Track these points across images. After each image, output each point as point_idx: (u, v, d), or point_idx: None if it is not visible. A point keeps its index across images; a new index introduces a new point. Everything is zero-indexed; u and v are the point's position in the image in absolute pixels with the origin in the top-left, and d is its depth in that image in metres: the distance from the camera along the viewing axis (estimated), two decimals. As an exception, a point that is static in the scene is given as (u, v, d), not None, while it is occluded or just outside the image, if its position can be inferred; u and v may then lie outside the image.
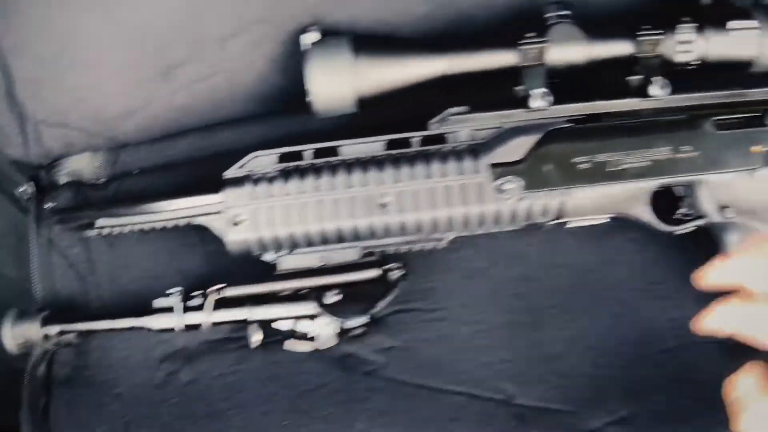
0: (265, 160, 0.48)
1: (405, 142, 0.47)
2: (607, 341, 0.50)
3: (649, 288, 0.51)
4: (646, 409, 0.48)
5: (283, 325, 0.48)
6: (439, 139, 0.47)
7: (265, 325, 0.48)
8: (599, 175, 0.45)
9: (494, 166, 0.45)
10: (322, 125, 0.48)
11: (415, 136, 0.47)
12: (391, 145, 0.47)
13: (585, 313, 0.50)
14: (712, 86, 0.49)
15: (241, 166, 0.48)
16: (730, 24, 0.47)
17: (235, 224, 0.46)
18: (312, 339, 0.48)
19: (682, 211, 0.48)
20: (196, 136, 0.56)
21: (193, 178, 0.55)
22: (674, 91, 0.48)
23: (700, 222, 0.48)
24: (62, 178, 0.56)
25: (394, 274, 0.47)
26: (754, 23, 0.47)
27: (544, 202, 0.45)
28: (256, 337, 0.49)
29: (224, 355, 0.52)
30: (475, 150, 0.46)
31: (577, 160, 0.45)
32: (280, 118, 0.54)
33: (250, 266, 0.49)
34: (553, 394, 0.49)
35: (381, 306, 0.47)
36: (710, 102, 0.48)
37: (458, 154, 0.45)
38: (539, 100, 0.45)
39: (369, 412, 0.49)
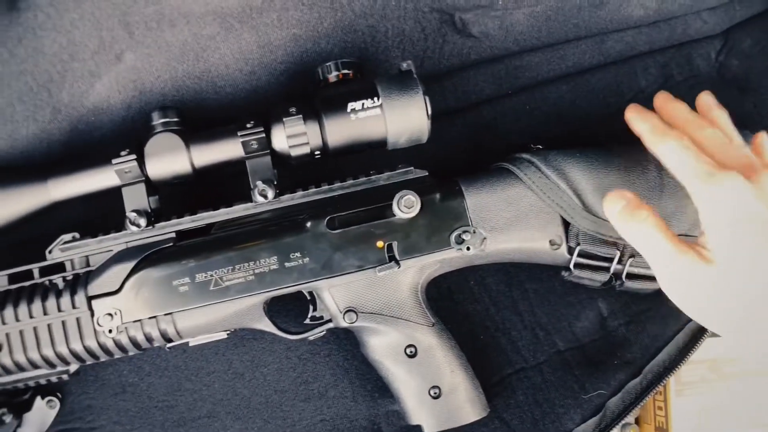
0: None
1: (27, 274, 0.48)
2: (257, 449, 0.51)
3: (300, 388, 0.52)
4: None
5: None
6: (59, 266, 0.48)
7: None
8: (201, 296, 0.45)
9: (93, 298, 0.46)
10: None
11: (35, 267, 0.48)
12: (15, 278, 0.48)
13: (235, 421, 0.51)
14: (342, 176, 0.48)
15: None
16: (350, 106, 0.45)
17: None
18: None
19: (311, 314, 0.49)
20: None
21: None
22: (291, 190, 0.47)
23: (328, 326, 0.48)
24: None
25: (7, 417, 0.48)
26: (376, 102, 0.45)
27: (146, 331, 0.46)
28: None
29: None
30: (75, 283, 0.46)
31: (176, 282, 0.45)
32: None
33: None
34: None
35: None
36: (330, 196, 0.47)
37: (58, 289, 0.46)
38: (132, 223, 0.46)
39: None
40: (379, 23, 0.51)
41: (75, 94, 0.49)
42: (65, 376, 0.49)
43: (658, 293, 0.46)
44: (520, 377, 0.51)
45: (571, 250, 0.47)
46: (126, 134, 0.52)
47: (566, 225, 0.47)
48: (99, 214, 0.51)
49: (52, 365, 0.47)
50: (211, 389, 0.52)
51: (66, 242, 0.48)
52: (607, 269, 0.47)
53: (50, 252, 0.48)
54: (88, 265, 0.48)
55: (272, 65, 0.50)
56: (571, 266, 0.47)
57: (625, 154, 0.48)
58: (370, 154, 0.48)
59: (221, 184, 0.51)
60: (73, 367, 0.49)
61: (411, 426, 0.49)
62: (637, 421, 0.56)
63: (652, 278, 0.46)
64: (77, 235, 0.48)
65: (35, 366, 0.47)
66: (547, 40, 0.56)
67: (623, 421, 0.52)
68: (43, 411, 0.52)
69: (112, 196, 0.48)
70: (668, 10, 0.56)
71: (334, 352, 0.52)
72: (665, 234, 0.41)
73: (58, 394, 0.52)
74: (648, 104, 0.47)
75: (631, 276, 0.48)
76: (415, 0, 0.51)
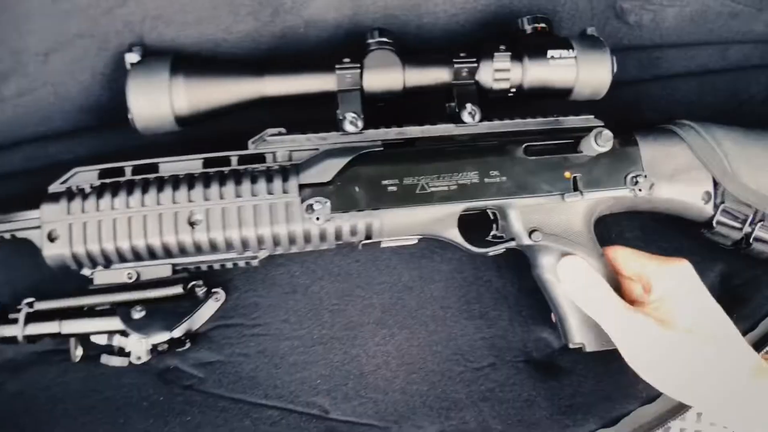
0: (86, 176, 0.51)
1: (225, 160, 0.51)
2: (421, 358, 0.55)
3: (464, 307, 0.56)
4: (453, 425, 0.53)
5: (100, 340, 0.51)
6: (258, 158, 0.51)
7: (84, 339, 0.51)
8: (407, 197, 0.50)
9: (303, 186, 0.49)
10: (153, 139, 0.52)
11: (234, 155, 0.51)
12: (210, 163, 0.51)
13: (401, 330, 0.55)
14: (528, 113, 0.55)
15: (63, 181, 0.51)
16: (550, 53, 0.53)
17: (51, 240, 0.49)
18: (128, 354, 0.50)
19: (493, 232, 0.54)
20: (30, 147, 0.58)
21: (27, 189, 0.57)
22: (489, 118, 0.53)
23: (510, 244, 0.53)
24: None
25: (201, 290, 0.50)
26: (572, 53, 0.53)
27: (352, 223, 0.50)
28: (77, 352, 0.52)
29: (49, 367, 0.54)
30: (286, 171, 0.50)
31: (385, 182, 0.50)
32: (112, 131, 0.57)
33: (74, 278, 0.52)
34: (366, 409, 0.53)
35: (191, 324, 0.50)
36: (523, 129, 0.54)
37: (269, 174, 0.50)
38: (351, 123, 0.50)
39: (185, 425, 0.52)
40: (561, -3, 0.61)
41: (298, 1, 0.54)
42: (254, 263, 0.51)
43: (774, 260, 0.56)
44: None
45: (715, 207, 0.55)
46: (328, 52, 0.56)
47: (714, 185, 0.55)
48: (290, 121, 0.54)
49: (245, 248, 0.50)
50: (381, 298, 0.56)
51: (272, 135, 0.52)
52: (741, 229, 0.56)
53: (254, 143, 0.52)
54: (290, 159, 0.52)
55: (472, 12, 0.58)
56: (714, 222, 0.55)
57: (765, 134, 0.57)
58: (548, 103, 0.56)
59: (411, 108, 0.56)
60: (263, 254, 0.51)
61: (558, 351, 0.55)
62: None
63: None
64: (284, 130, 0.52)
65: (229, 247, 0.50)
66: (686, 39, 0.66)
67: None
68: (207, 303, 0.53)
69: (312, 105, 0.52)
70: (784, 32, 0.68)
71: (495, 278, 0.57)
72: (617, 298, 0.50)
73: (221, 288, 0.54)
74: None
75: (758, 239, 0.56)
76: (593, -18, 0.61)
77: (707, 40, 0.67)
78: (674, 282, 0.50)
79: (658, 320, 0.48)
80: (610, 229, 0.60)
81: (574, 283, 0.52)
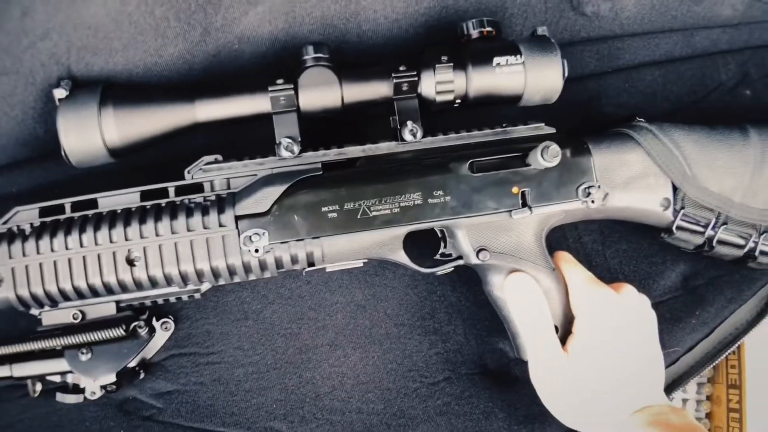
0: (26, 215, 0.50)
1: (162, 192, 0.50)
2: (376, 376, 0.55)
3: (418, 323, 0.57)
4: (411, 441, 0.55)
5: (54, 378, 0.52)
6: (196, 187, 0.50)
7: (28, 378, 0.51)
8: (348, 223, 0.49)
9: (240, 218, 0.49)
10: (91, 169, 0.51)
11: (171, 186, 0.50)
12: (147, 195, 0.50)
13: (355, 350, 0.56)
14: (474, 124, 0.53)
15: (4, 222, 0.50)
16: (496, 60, 0.50)
17: None
18: (83, 390, 0.51)
19: (442, 250, 0.53)
20: (-29, 183, 0.58)
21: None
22: (431, 133, 0.52)
23: (458, 263, 0.53)
24: None
25: (143, 330, 0.51)
26: (519, 59, 0.51)
27: (292, 252, 0.49)
28: (36, 388, 0.53)
29: (10, 404, 0.55)
30: (222, 202, 0.49)
31: (325, 209, 0.49)
32: (52, 162, 0.56)
33: (22, 316, 0.51)
34: (324, 430, 0.54)
35: (132, 361, 0.50)
36: (469, 142, 0.52)
37: (205, 207, 0.49)
38: (285, 150, 0.49)
39: (148, 456, 0.54)
40: (511, -7, 0.58)
41: (228, 18, 0.52)
42: (197, 295, 0.51)
43: (736, 261, 0.55)
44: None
45: (675, 213, 0.54)
46: (264, 68, 0.56)
47: (674, 190, 0.54)
48: (229, 141, 0.54)
49: (186, 282, 0.50)
50: (334, 319, 0.56)
51: (208, 163, 0.51)
52: (702, 233, 0.55)
53: (189, 172, 0.51)
54: (228, 187, 0.51)
55: (414, 16, 0.56)
56: (674, 228, 0.54)
57: (727, 132, 0.55)
58: (497, 110, 0.54)
59: (354, 123, 0.55)
60: (205, 286, 0.52)
61: (514, 361, 0.56)
62: (709, 381, 0.64)
63: (739, 246, 0.55)
64: (220, 157, 0.51)
65: (170, 282, 0.50)
66: (648, 27, 0.64)
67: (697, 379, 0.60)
68: (158, 333, 0.54)
69: (250, 125, 0.51)
70: (752, 15, 0.65)
71: (448, 293, 0.57)
72: (548, 323, 0.50)
73: (170, 317, 0.54)
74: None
75: (721, 242, 0.55)
76: (544, -26, 0.58)
77: (671, 27, 0.64)
78: (596, 307, 0.50)
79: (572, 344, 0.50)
80: (567, 235, 0.59)
81: (517, 299, 0.52)
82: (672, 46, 0.64)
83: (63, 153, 0.49)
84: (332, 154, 0.51)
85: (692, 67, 0.64)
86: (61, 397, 0.52)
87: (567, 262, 0.54)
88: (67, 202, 0.51)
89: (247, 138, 0.53)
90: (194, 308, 0.55)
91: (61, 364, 0.49)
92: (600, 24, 0.62)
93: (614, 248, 0.60)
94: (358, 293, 0.56)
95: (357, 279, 0.56)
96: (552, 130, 0.54)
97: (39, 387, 0.53)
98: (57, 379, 0.53)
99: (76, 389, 0.52)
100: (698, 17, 0.63)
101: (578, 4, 0.61)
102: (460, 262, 0.53)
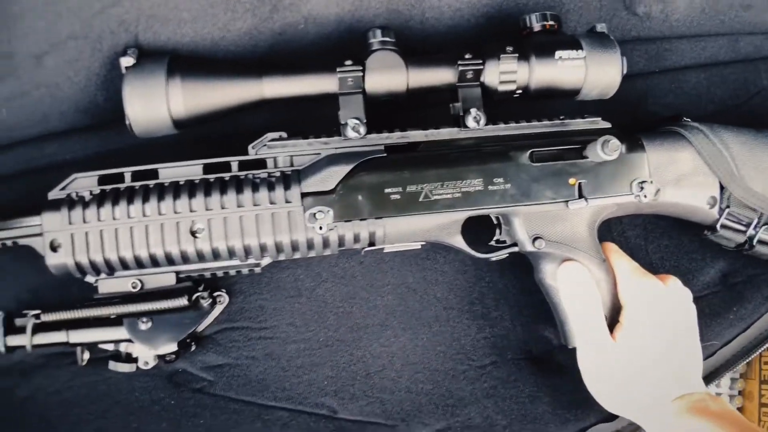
0: (85, 182, 0.51)
1: (225, 166, 0.51)
2: (425, 357, 0.57)
3: (466, 308, 0.58)
4: (459, 422, 0.56)
5: (107, 346, 0.52)
6: (259, 163, 0.51)
7: (84, 345, 0.52)
8: (410, 205, 0.51)
9: (306, 195, 0.50)
10: (151, 139, 0.51)
11: (234, 161, 0.51)
12: (210, 168, 0.51)
13: (405, 331, 0.57)
14: (533, 115, 0.55)
15: (62, 188, 0.51)
16: (558, 54, 0.52)
17: (53, 249, 0.49)
18: (135, 359, 0.52)
19: (496, 237, 0.55)
20: (27, 149, 0.58)
21: (23, 191, 0.58)
22: (492, 122, 0.53)
23: (512, 250, 0.54)
24: None
25: (205, 302, 0.52)
26: (581, 53, 0.52)
27: (355, 231, 0.50)
28: (85, 356, 0.53)
29: (59, 370, 0.56)
30: (288, 179, 0.50)
31: (389, 190, 0.50)
32: (110, 131, 0.57)
33: (76, 284, 0.52)
34: (374, 409, 0.56)
35: (197, 329, 0.52)
36: (528, 132, 0.54)
37: (271, 182, 0.50)
38: (352, 129, 0.50)
39: (198, 428, 0.54)
40: (569, -12, 0.59)
41: (297, -4, 0.53)
42: (257, 269, 0.52)
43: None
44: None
45: (720, 211, 0.56)
46: (326, 49, 0.57)
47: (721, 189, 0.56)
48: (288, 120, 0.55)
49: (248, 256, 0.51)
50: (385, 300, 0.57)
51: (272, 140, 0.52)
52: (744, 232, 0.57)
53: (253, 148, 0.52)
54: (292, 165, 0.52)
55: (477, 6, 0.57)
56: (718, 226, 0.56)
57: None
58: (547, 104, 0.56)
59: (408, 108, 0.56)
60: (265, 261, 0.52)
61: (557, 348, 0.57)
62: (742, 376, 0.67)
63: None
64: (284, 134, 0.52)
65: (232, 255, 0.50)
66: (696, 30, 0.66)
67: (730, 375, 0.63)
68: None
69: (309, 105, 0.52)
70: (797, 23, 0.67)
71: (496, 279, 0.59)
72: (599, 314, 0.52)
73: (224, 291, 0.55)
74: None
75: (761, 242, 0.57)
76: (602, -28, 0.60)
77: (718, 32, 0.66)
78: (644, 297, 0.52)
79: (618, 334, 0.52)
80: (612, 229, 0.61)
81: (570, 288, 0.53)
82: (717, 49, 0.67)
83: (127, 122, 0.49)
84: (395, 137, 0.52)
85: (735, 72, 0.67)
86: (114, 366, 0.53)
87: (615, 252, 0.56)
88: (127, 171, 0.51)
89: (305, 118, 0.54)
90: (248, 283, 0.56)
91: (119, 332, 0.50)
92: (650, 25, 0.64)
93: (656, 243, 0.62)
94: (410, 276, 0.58)
95: (409, 262, 0.58)
96: (608, 125, 0.56)
97: (87, 355, 0.54)
98: (110, 347, 0.53)
99: (129, 358, 0.52)
100: (745, 23, 0.66)
101: (631, 3, 0.63)
102: (515, 249, 0.54)
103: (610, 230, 0.61)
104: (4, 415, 0.55)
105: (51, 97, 0.55)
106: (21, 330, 0.52)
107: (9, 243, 0.52)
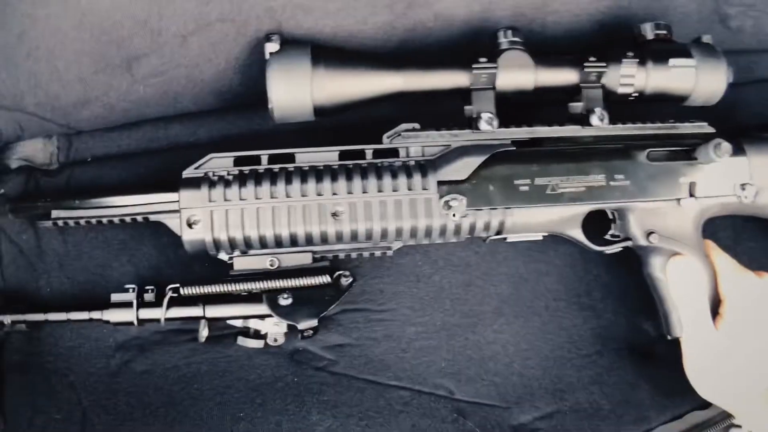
0: (221, 162, 0.53)
1: (360, 153, 0.54)
2: (535, 344, 0.60)
3: (574, 299, 0.62)
4: (568, 406, 0.59)
5: (236, 321, 0.55)
6: (392, 152, 0.54)
7: (216, 321, 0.54)
8: (538, 197, 0.54)
9: (441, 183, 0.53)
10: (276, 126, 0.54)
11: (369, 149, 0.54)
12: (345, 155, 0.54)
13: (517, 318, 0.60)
14: (648, 118, 0.59)
15: (198, 167, 0.53)
16: (672, 61, 0.56)
17: (190, 225, 0.51)
18: (263, 336, 0.54)
19: (611, 232, 0.58)
20: (151, 128, 0.61)
21: (146, 169, 0.61)
22: (612, 121, 0.57)
23: (626, 244, 0.58)
24: (14, 163, 0.60)
25: (346, 281, 0.54)
26: (692, 61, 0.56)
27: (486, 220, 0.53)
28: (204, 332, 0.55)
29: (177, 347, 0.58)
30: (424, 167, 0.53)
31: (518, 182, 0.54)
32: (236, 115, 0.60)
33: (202, 260, 0.55)
34: (488, 391, 0.59)
35: (331, 310, 0.54)
36: (646, 133, 0.58)
37: (408, 170, 0.53)
38: (486, 123, 0.53)
39: (322, 404, 0.57)
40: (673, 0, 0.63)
41: (431, -6, 0.56)
42: (389, 252, 0.55)
43: None
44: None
45: None
46: (453, 46, 0.60)
47: None
48: (413, 112, 0.57)
49: (383, 238, 0.53)
50: (498, 289, 0.60)
51: (406, 130, 0.54)
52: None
53: (389, 137, 0.55)
54: (423, 155, 0.54)
55: (594, 14, 0.61)
56: (811, 228, 0.61)
57: None
58: (658, 107, 0.59)
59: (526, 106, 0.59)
60: (397, 244, 0.55)
61: (658, 341, 0.59)
62: None
63: None
64: (417, 125, 0.55)
65: (369, 238, 0.53)
66: (784, 44, 0.70)
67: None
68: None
69: (435, 99, 0.55)
70: None
71: (603, 274, 0.62)
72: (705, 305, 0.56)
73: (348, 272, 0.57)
74: None
75: None
76: (705, -11, 0.64)
77: (806, 44, 0.71)
78: (744, 291, 0.56)
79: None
80: (705, 229, 0.64)
81: (680, 281, 0.57)
82: (806, 62, 0.72)
83: (270, 106, 0.51)
84: (523, 132, 0.55)
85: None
86: (243, 341, 0.55)
87: (715, 249, 0.59)
88: (264, 154, 0.54)
89: (425, 111, 0.56)
90: (369, 267, 0.59)
91: (258, 308, 0.52)
92: (741, 38, 0.68)
93: (745, 245, 0.66)
94: (522, 267, 0.61)
95: (522, 254, 0.61)
96: (713, 130, 0.59)
97: (206, 332, 0.55)
98: (237, 323, 0.56)
99: (257, 335, 0.55)
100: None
101: (725, 17, 0.67)
102: (629, 243, 0.57)
103: (704, 231, 0.64)
104: (124, 387, 0.57)
105: (187, 78, 0.57)
106: (150, 304, 0.55)
107: (140, 219, 0.54)
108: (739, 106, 0.69)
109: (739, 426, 0.64)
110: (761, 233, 0.65)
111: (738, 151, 0.59)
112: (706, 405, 0.60)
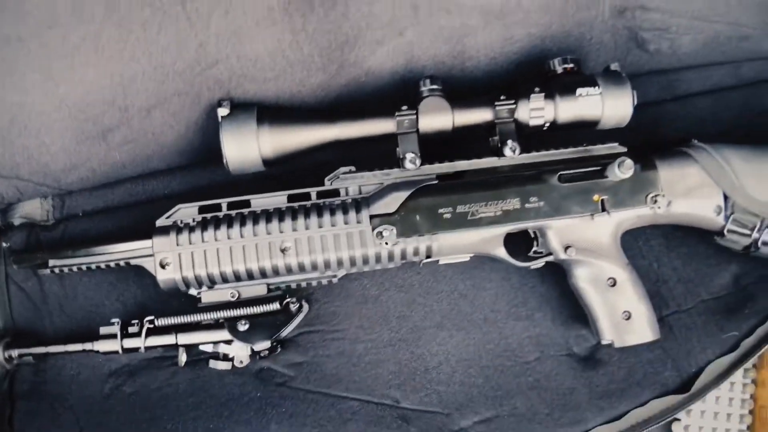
0: (188, 212, 0.63)
1: (305, 195, 0.63)
2: (476, 354, 0.67)
3: (512, 310, 0.68)
4: (507, 411, 0.66)
5: (207, 347, 0.64)
6: (334, 192, 0.63)
7: (192, 347, 0.64)
8: (460, 222, 0.61)
9: (374, 216, 0.61)
10: (235, 177, 0.63)
11: (313, 191, 0.63)
12: (293, 198, 0.63)
13: (458, 332, 0.67)
14: (561, 144, 0.66)
15: (168, 216, 0.63)
16: (579, 91, 0.63)
17: (163, 266, 0.61)
18: (231, 359, 0.63)
19: (534, 248, 0.65)
20: (131, 184, 0.71)
21: (128, 220, 0.71)
22: (525, 151, 0.64)
23: (548, 258, 0.65)
24: (16, 221, 0.71)
25: (294, 306, 0.63)
26: (597, 90, 0.63)
27: (415, 245, 0.61)
28: (183, 358, 0.65)
29: (160, 371, 0.68)
30: (359, 204, 0.61)
31: (441, 210, 0.61)
32: (202, 169, 0.70)
33: (177, 296, 0.64)
34: (431, 399, 0.66)
35: (282, 333, 0.62)
36: (557, 158, 0.65)
37: (345, 207, 0.61)
38: (410, 162, 0.61)
39: (281, 415, 0.65)
40: (588, 32, 0.70)
41: (359, 56, 0.65)
42: (334, 280, 0.63)
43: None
44: (675, 318, 0.69)
45: (726, 218, 0.65)
46: (383, 96, 0.68)
47: (725, 198, 0.65)
48: (349, 157, 0.65)
49: (327, 268, 0.62)
50: (440, 305, 0.68)
51: (344, 172, 0.63)
52: (749, 236, 0.66)
53: (329, 180, 0.63)
54: (360, 193, 0.63)
55: (509, 54, 0.68)
56: (725, 231, 0.65)
57: None
58: (572, 133, 0.66)
59: (460, 142, 0.67)
60: (341, 272, 0.63)
61: (596, 345, 0.66)
62: (755, 366, 0.74)
63: None
64: (353, 168, 0.63)
65: (314, 268, 0.62)
66: (701, 60, 0.76)
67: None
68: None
69: (369, 143, 0.63)
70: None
71: (538, 285, 0.69)
72: None
73: (304, 301, 0.66)
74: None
75: (765, 243, 0.66)
76: (615, 18, 0.70)
77: (721, 61, 0.76)
78: None
79: None
80: (637, 238, 0.71)
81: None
82: (721, 77, 0.77)
83: (225, 161, 0.61)
84: (445, 167, 0.64)
85: (739, 96, 0.76)
86: (214, 364, 0.64)
87: None
88: (224, 201, 0.63)
89: (364, 154, 0.65)
90: (322, 293, 0.67)
91: (221, 334, 0.61)
92: (660, 59, 0.74)
93: (676, 251, 0.71)
94: (461, 284, 0.68)
95: (460, 272, 0.68)
96: (624, 149, 0.66)
97: (185, 357, 0.65)
98: (209, 350, 0.64)
99: (226, 358, 0.63)
100: (744, 51, 0.75)
101: (642, 42, 0.73)
102: (550, 258, 0.64)
103: (636, 240, 0.70)
104: (115, 408, 0.67)
105: (155, 143, 0.67)
106: (133, 335, 0.64)
107: (122, 263, 0.64)
108: (663, 121, 0.75)
109: (679, 420, 0.70)
110: (691, 239, 0.71)
111: (649, 166, 0.65)
112: (641, 404, 0.65)
